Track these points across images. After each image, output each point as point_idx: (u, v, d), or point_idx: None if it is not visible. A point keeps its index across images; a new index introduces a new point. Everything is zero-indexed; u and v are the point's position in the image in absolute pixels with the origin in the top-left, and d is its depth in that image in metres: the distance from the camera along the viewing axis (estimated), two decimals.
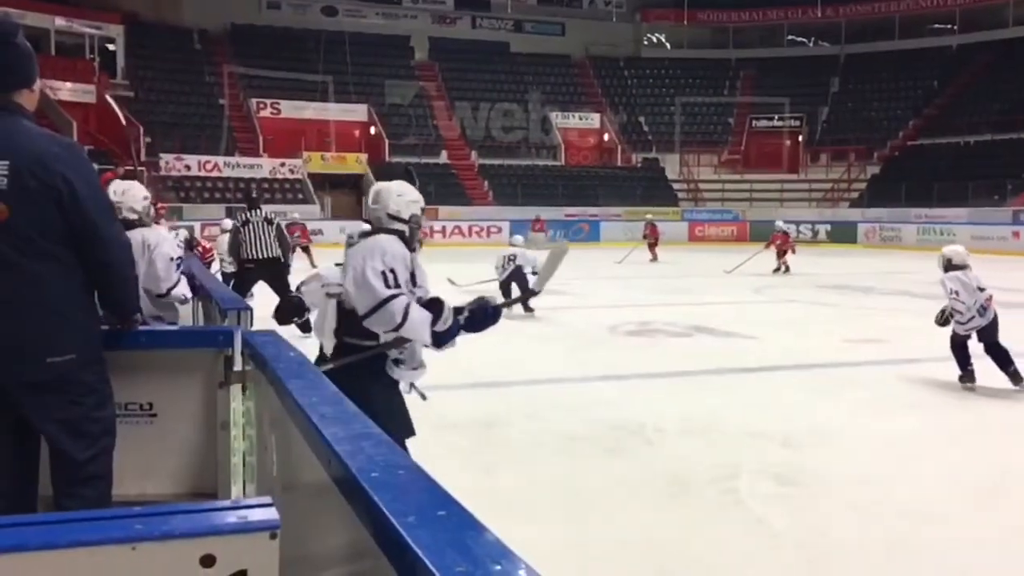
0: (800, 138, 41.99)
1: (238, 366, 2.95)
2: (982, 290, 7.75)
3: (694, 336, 10.73)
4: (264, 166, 35.50)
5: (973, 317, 7.69)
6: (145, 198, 4.52)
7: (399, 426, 3.47)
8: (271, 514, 1.28)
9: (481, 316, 3.59)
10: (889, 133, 41.27)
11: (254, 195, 10.71)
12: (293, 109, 38.14)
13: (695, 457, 5.82)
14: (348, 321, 3.52)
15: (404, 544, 1.12)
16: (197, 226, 24.59)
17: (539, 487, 5.24)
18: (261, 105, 37.96)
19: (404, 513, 1.20)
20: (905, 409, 7.20)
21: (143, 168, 30.08)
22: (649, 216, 27.46)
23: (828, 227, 35.19)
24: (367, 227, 3.67)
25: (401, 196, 3.62)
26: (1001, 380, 7.67)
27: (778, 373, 8.73)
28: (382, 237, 3.53)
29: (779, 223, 21.52)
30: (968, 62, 41.60)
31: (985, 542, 4.42)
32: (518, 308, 13.34)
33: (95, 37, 36.35)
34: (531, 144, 41.60)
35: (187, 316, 7.38)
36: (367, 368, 3.50)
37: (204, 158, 34.45)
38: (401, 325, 3.34)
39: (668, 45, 48.92)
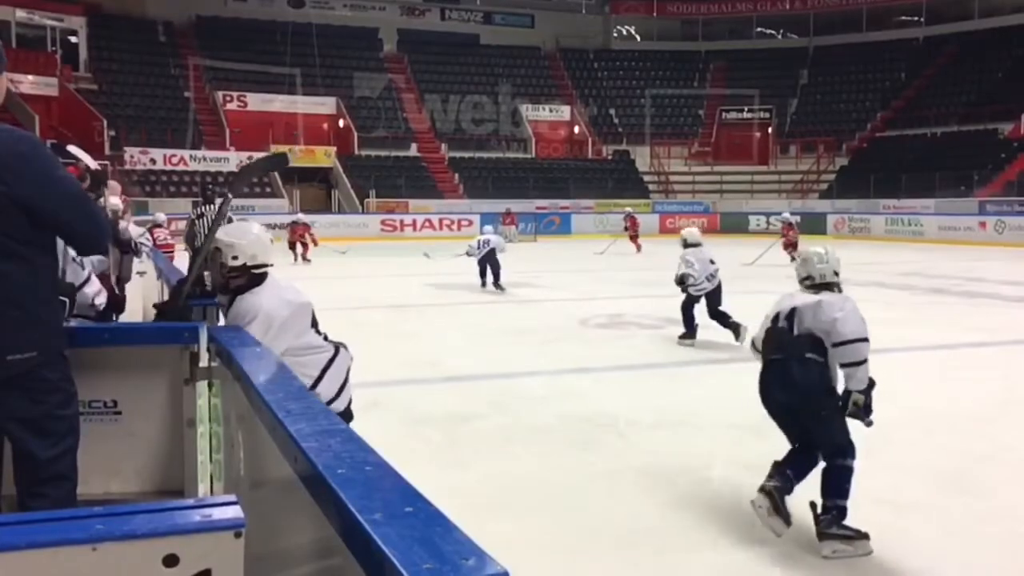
0: (770, 130, 42.28)
1: (204, 362, 2.91)
2: (712, 263, 9.77)
3: (666, 328, 10.75)
4: (231, 159, 35.10)
5: (703, 284, 9.65)
6: None
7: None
8: (236, 512, 1.26)
9: None
10: (857, 125, 41.73)
11: (209, 190, 11.28)
12: (260, 102, 37.81)
13: (668, 449, 5.84)
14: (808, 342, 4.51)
15: (370, 541, 1.10)
16: (164, 221, 24.39)
17: (512, 481, 5.23)
18: (228, 98, 37.58)
19: (370, 510, 1.18)
20: (874, 398, 7.25)
21: (107, 162, 29.68)
22: (629, 209, 27.73)
23: (798, 218, 35.39)
24: None
25: (839, 261, 4.63)
26: (970, 371, 7.78)
27: (749, 364, 8.67)
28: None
29: (785, 214, 21.69)
30: (935, 54, 42.17)
31: (957, 529, 4.48)
32: (491, 287, 13.47)
33: (57, 29, 35.83)
34: (501, 137, 41.56)
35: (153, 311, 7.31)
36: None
37: (170, 152, 34.08)
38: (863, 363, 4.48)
39: (638, 37, 49.10)
